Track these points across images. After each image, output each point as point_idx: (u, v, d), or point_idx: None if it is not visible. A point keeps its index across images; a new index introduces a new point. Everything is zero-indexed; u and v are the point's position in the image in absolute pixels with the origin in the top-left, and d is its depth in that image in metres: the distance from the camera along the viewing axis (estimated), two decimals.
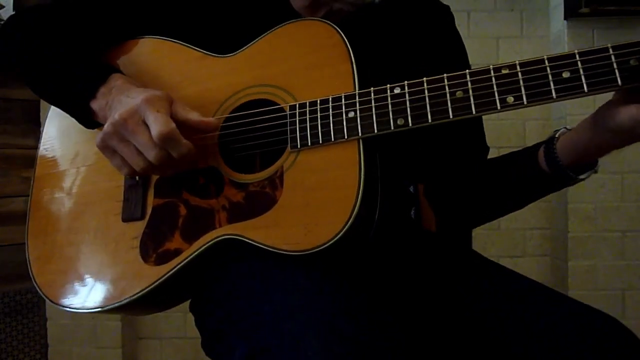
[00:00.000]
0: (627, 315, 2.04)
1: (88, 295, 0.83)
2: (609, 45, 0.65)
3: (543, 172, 0.83)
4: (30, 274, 0.88)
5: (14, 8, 2.01)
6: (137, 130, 0.73)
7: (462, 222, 0.98)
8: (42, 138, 0.97)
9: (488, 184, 0.95)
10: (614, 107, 0.69)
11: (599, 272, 2.04)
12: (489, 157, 1.01)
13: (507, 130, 2.20)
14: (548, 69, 0.66)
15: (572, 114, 2.02)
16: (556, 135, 0.82)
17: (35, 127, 2.03)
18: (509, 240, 2.21)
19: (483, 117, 0.89)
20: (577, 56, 0.66)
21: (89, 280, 0.83)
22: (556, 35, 2.14)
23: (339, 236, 0.68)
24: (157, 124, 0.72)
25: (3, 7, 1.99)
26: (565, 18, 2.02)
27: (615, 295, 2.05)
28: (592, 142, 0.76)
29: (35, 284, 0.87)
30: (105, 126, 0.75)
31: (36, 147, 0.96)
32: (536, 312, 0.77)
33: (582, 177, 0.82)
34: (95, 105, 0.81)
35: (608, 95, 0.69)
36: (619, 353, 0.70)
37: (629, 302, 2.05)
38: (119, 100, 0.76)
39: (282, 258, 0.71)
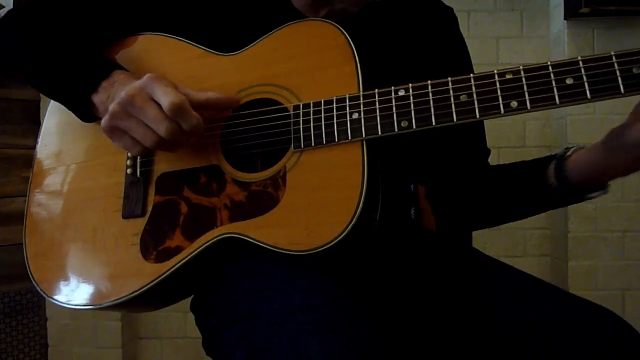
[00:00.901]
0: (627, 315, 2.04)
1: (86, 291, 0.82)
2: (612, 52, 0.66)
3: (551, 187, 0.84)
4: (28, 270, 0.88)
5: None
6: (145, 106, 0.73)
7: (462, 225, 0.98)
8: (41, 134, 0.96)
9: (491, 190, 0.95)
10: (626, 126, 0.71)
11: (599, 272, 2.04)
12: (492, 161, 1.01)
13: (507, 130, 2.20)
14: (552, 74, 0.67)
15: (572, 114, 2.03)
16: (568, 153, 0.82)
17: (35, 127, 2.03)
18: (509, 240, 2.21)
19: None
20: (580, 63, 0.66)
21: (88, 276, 0.83)
22: (556, 35, 2.14)
23: (341, 236, 0.68)
24: (168, 96, 0.71)
25: (3, 7, 1.99)
26: (565, 18, 2.02)
27: (615, 295, 2.05)
28: (606, 162, 0.77)
29: (32, 280, 0.87)
30: (111, 106, 0.75)
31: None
32: (539, 307, 0.77)
33: (591, 196, 0.82)
34: (96, 98, 0.81)
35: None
36: (621, 348, 0.71)
37: (629, 302, 2.05)
38: (122, 90, 0.76)
39: (283, 258, 0.71)
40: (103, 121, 0.76)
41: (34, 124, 2.04)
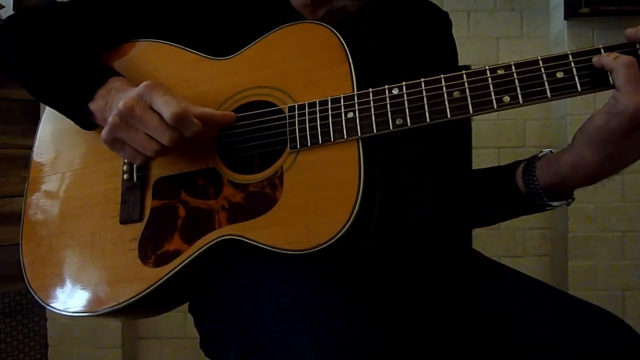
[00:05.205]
0: (627, 315, 2.04)
1: (85, 298, 0.82)
2: (601, 46, 0.68)
3: (517, 191, 0.84)
4: (25, 278, 0.87)
5: (14, 8, 2.01)
6: (146, 116, 0.73)
7: (457, 221, 0.98)
8: (36, 141, 0.96)
9: (471, 194, 0.95)
10: (587, 121, 0.72)
11: (599, 272, 2.04)
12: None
13: (507, 130, 2.19)
14: (542, 69, 0.68)
15: (572, 114, 2.02)
16: (539, 156, 0.83)
17: (35, 127, 2.03)
18: (509, 240, 2.21)
19: (483, 116, 0.89)
20: (570, 57, 0.68)
21: (86, 283, 0.83)
22: (556, 35, 2.14)
23: (339, 235, 0.68)
24: (169, 106, 0.71)
25: (3, 7, 1.99)
26: (565, 18, 2.02)
27: (615, 295, 2.05)
28: (570, 159, 0.76)
29: (30, 288, 0.86)
30: (111, 118, 0.74)
31: None
32: (541, 308, 0.77)
33: (554, 204, 0.82)
34: (93, 106, 0.81)
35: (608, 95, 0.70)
36: (622, 351, 0.71)
37: (629, 302, 2.05)
38: (119, 99, 0.76)
39: (280, 258, 0.71)
40: (103, 133, 0.76)
41: (34, 124, 2.02)
